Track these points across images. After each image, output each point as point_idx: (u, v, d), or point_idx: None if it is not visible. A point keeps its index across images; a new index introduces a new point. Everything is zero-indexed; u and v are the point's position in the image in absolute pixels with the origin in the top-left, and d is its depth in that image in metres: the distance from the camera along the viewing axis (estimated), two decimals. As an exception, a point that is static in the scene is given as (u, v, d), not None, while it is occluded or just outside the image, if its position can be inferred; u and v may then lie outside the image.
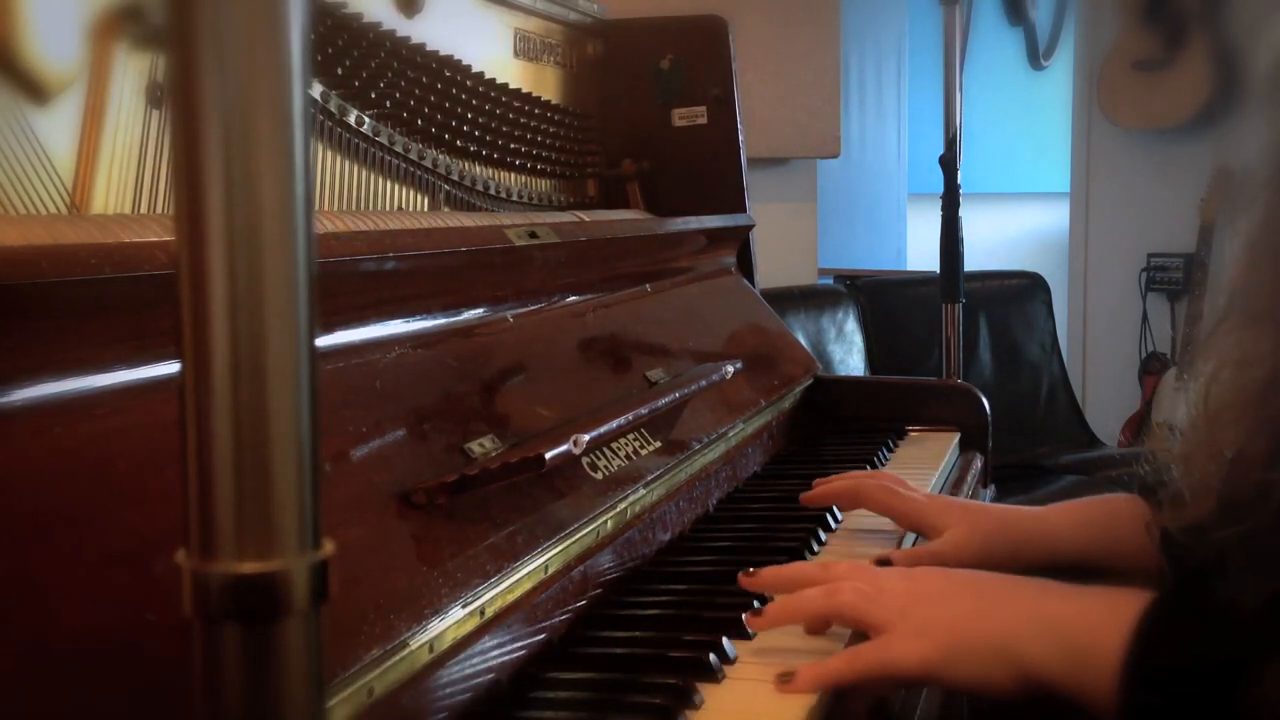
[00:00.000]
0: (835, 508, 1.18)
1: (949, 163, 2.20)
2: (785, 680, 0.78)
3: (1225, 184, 3.30)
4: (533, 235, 1.15)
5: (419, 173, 1.27)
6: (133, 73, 0.89)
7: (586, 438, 0.93)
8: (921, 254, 4.27)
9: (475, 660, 0.78)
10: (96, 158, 0.86)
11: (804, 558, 1.07)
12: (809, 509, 1.18)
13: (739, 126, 1.74)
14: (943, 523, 1.04)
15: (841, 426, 1.62)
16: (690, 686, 0.77)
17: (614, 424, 1.02)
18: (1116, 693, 0.72)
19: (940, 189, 2.20)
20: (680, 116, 1.74)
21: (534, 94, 1.51)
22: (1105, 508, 1.04)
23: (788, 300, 2.71)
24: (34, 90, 0.81)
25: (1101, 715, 0.75)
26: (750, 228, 1.75)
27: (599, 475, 1.03)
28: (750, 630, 0.87)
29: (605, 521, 0.99)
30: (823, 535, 1.13)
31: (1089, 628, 0.76)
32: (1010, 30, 5.01)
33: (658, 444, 1.15)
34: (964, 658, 0.77)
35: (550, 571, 0.89)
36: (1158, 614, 0.75)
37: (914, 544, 1.09)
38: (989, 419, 1.60)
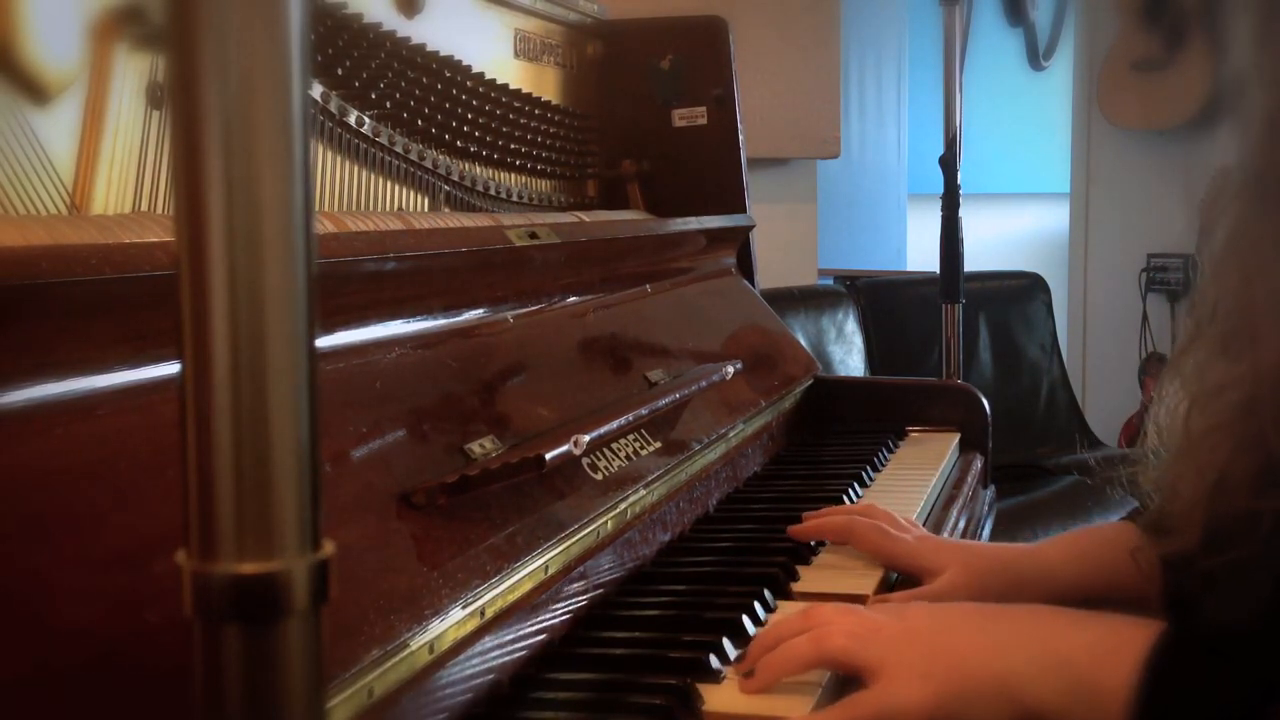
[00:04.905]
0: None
1: (949, 163, 2.20)
2: None
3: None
4: (533, 236, 1.15)
5: (419, 173, 1.27)
6: (133, 73, 0.89)
7: (587, 438, 0.93)
8: (921, 254, 4.27)
9: (475, 661, 0.78)
10: (96, 158, 0.86)
11: (805, 559, 1.07)
12: (809, 510, 1.17)
13: (739, 127, 1.73)
14: (937, 565, 1.01)
15: (841, 427, 1.62)
16: (690, 687, 0.77)
17: (614, 424, 1.02)
18: None
19: (940, 189, 2.21)
20: (680, 116, 1.74)
21: (534, 94, 1.51)
22: (1100, 538, 1.01)
23: (788, 300, 2.71)
24: (34, 90, 0.80)
25: None
26: (750, 228, 1.75)
27: (599, 476, 1.02)
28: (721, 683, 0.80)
29: (605, 522, 0.99)
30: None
31: (1093, 662, 0.73)
32: (1010, 30, 5.01)
33: (658, 444, 1.15)
34: (966, 699, 0.74)
35: (550, 572, 0.89)
36: (1167, 647, 0.72)
37: (895, 584, 1.07)
38: (989, 419, 1.60)
